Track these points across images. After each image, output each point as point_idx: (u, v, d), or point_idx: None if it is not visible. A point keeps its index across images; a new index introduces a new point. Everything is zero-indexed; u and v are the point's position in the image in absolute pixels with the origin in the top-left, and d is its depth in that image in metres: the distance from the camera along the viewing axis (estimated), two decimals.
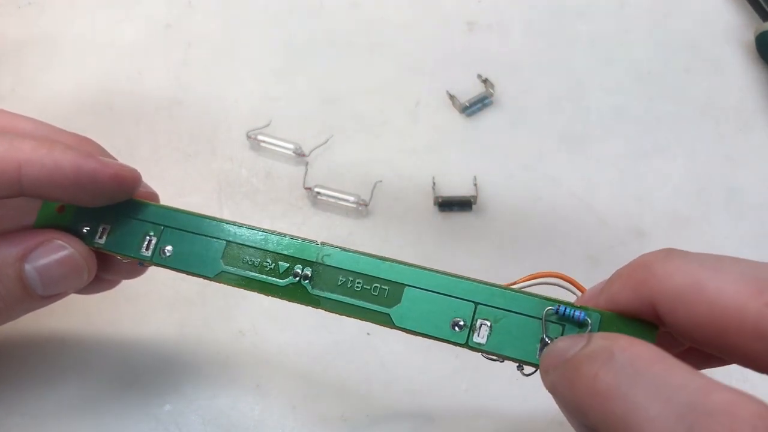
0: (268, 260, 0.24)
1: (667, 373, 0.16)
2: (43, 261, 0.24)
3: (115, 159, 0.27)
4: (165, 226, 0.25)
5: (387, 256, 0.23)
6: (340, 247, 0.23)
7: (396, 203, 0.36)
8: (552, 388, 0.18)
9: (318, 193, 0.36)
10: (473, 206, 0.36)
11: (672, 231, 0.35)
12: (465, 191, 0.36)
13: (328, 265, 0.23)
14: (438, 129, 0.39)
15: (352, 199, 0.36)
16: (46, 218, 0.26)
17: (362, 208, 0.36)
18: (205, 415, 0.30)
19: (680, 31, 0.42)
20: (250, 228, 0.24)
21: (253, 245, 0.24)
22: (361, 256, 0.23)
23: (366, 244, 0.35)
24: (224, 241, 0.24)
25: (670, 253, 0.19)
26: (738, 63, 0.41)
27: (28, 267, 0.24)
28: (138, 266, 0.27)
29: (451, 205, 0.36)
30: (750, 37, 0.41)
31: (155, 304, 0.33)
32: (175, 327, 0.33)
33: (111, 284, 0.30)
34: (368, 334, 0.32)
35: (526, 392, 0.30)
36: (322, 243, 0.23)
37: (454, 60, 0.41)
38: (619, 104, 0.40)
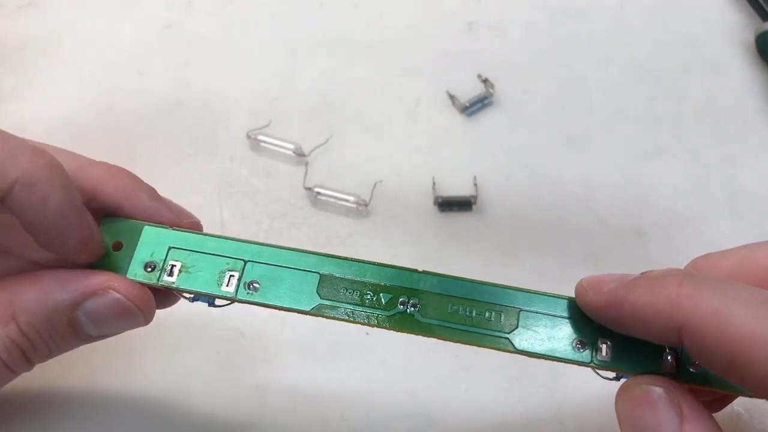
0: (369, 292, 0.23)
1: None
2: (96, 308, 0.23)
3: (158, 197, 0.26)
4: (247, 260, 0.23)
5: (487, 280, 0.23)
6: (441, 274, 0.23)
7: (396, 203, 0.36)
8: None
9: (318, 193, 0.36)
10: (473, 206, 0.36)
11: (672, 231, 0.35)
12: (465, 191, 0.36)
13: (433, 293, 0.23)
14: (438, 129, 0.39)
15: (352, 199, 0.36)
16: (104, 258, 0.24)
17: (362, 208, 0.36)
18: (205, 415, 0.30)
19: (680, 31, 0.42)
20: (341, 259, 0.23)
21: (349, 277, 0.23)
22: (465, 282, 0.23)
23: (366, 244, 0.35)
24: (317, 274, 0.23)
25: (696, 279, 0.19)
26: (738, 63, 0.41)
27: (80, 314, 0.23)
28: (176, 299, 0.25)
29: (451, 205, 0.36)
30: (750, 37, 0.41)
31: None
32: (175, 327, 0.32)
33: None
34: (367, 334, 0.32)
35: (526, 392, 0.30)
36: (423, 271, 0.23)
37: (454, 60, 0.41)
38: (619, 104, 0.40)
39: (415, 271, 0.23)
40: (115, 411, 0.30)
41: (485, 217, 0.36)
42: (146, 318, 0.24)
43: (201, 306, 0.33)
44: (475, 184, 0.36)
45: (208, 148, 0.39)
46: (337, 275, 0.23)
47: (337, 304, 0.23)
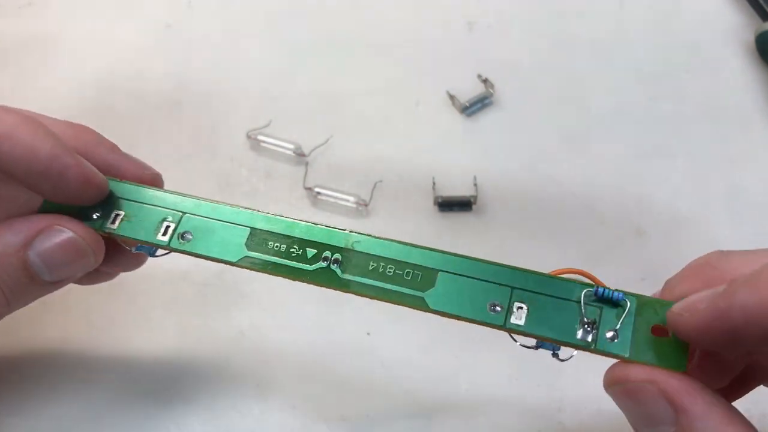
0: (295, 246, 0.23)
1: None
2: (46, 247, 0.24)
3: (119, 151, 0.27)
4: (185, 213, 0.25)
5: (422, 244, 0.23)
6: (369, 235, 0.23)
7: (396, 203, 0.36)
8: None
9: (318, 193, 0.36)
10: (473, 206, 0.36)
11: (672, 231, 0.35)
12: (465, 191, 0.36)
13: (358, 251, 0.23)
14: (438, 129, 0.39)
15: (352, 199, 0.36)
16: (52, 204, 0.25)
17: (362, 208, 0.36)
18: (205, 416, 0.30)
19: (680, 31, 0.42)
20: (275, 216, 0.24)
21: (280, 232, 0.24)
22: (392, 243, 0.23)
23: None
24: (248, 228, 0.24)
25: (723, 252, 0.19)
26: (738, 63, 0.41)
27: (31, 254, 0.24)
28: (139, 257, 0.27)
29: (451, 205, 0.36)
30: (750, 37, 0.41)
31: (155, 303, 0.33)
32: (175, 327, 0.32)
33: (109, 276, 0.29)
34: (368, 334, 0.32)
35: (526, 392, 0.30)
36: (351, 231, 0.23)
37: (454, 60, 0.41)
38: (619, 104, 0.40)
39: (344, 230, 0.24)
40: (115, 415, 0.30)
41: (485, 217, 0.36)
42: (96, 256, 0.25)
43: (200, 307, 0.33)
44: (475, 184, 0.36)
45: (208, 148, 0.39)
46: (267, 230, 0.24)
47: (263, 257, 0.23)
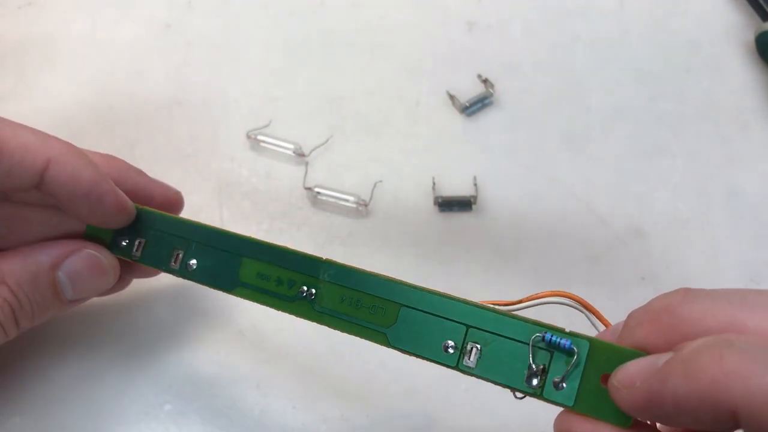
0: (280, 277, 0.25)
1: None
2: (75, 267, 0.26)
3: (145, 175, 0.30)
4: (192, 240, 0.27)
5: (389, 275, 0.23)
6: (342, 265, 0.24)
7: (396, 203, 0.36)
8: (648, 396, 0.17)
9: (318, 193, 0.36)
10: (473, 206, 0.36)
11: (672, 231, 0.35)
12: (465, 191, 0.36)
13: (330, 282, 0.24)
14: (438, 129, 0.39)
15: (352, 199, 0.36)
16: (92, 230, 0.28)
17: (362, 208, 0.36)
18: (205, 415, 0.30)
19: (680, 31, 0.42)
20: (261, 243, 0.25)
21: (264, 260, 0.25)
22: (358, 273, 0.23)
23: (366, 244, 0.35)
24: (240, 256, 0.25)
25: (687, 293, 0.18)
26: (738, 63, 0.41)
27: (60, 274, 0.26)
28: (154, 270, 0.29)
29: (451, 205, 0.36)
30: (750, 37, 0.41)
31: (155, 303, 0.33)
32: (176, 327, 0.33)
33: (123, 284, 0.31)
34: None
35: None
36: (327, 260, 0.24)
37: (454, 60, 0.41)
38: (619, 104, 0.40)
39: (320, 259, 0.24)
40: (116, 415, 0.30)
41: (485, 217, 0.36)
42: (115, 275, 0.28)
43: (201, 307, 0.33)
44: (475, 184, 0.36)
45: (208, 148, 0.39)
46: (256, 259, 0.25)
47: (252, 287, 0.25)
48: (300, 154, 0.37)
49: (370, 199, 0.36)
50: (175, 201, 0.30)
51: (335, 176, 0.37)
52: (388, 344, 0.22)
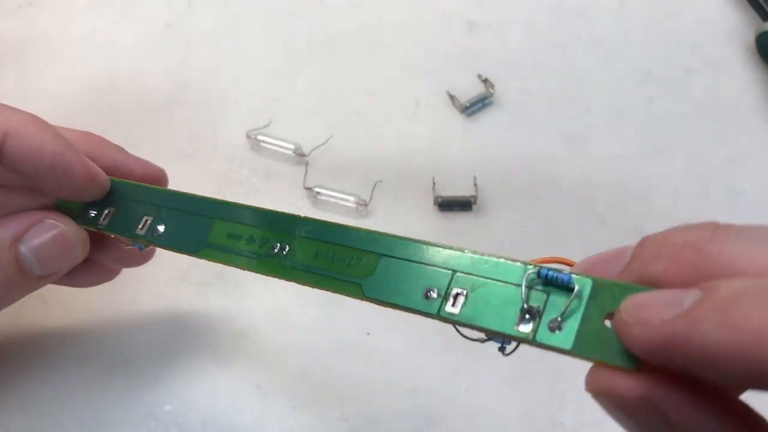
0: (252, 235, 0.23)
1: None
2: (37, 240, 0.25)
3: (125, 151, 0.28)
4: (164, 207, 0.25)
5: (370, 228, 0.22)
6: (321, 221, 0.23)
7: (396, 203, 0.36)
8: (671, 340, 0.14)
9: (318, 193, 0.36)
10: (473, 206, 0.36)
11: None
12: (465, 191, 0.36)
13: (305, 238, 0.22)
14: (438, 129, 0.39)
15: (352, 199, 0.36)
16: (61, 203, 0.27)
17: (362, 208, 0.36)
18: (205, 416, 0.30)
19: (680, 31, 0.42)
20: (237, 205, 0.25)
21: (237, 221, 0.24)
22: (339, 227, 0.22)
23: None
24: (212, 219, 0.25)
25: (718, 230, 0.15)
26: (738, 63, 0.41)
27: (23, 248, 0.24)
28: (138, 251, 0.28)
29: (451, 205, 0.36)
30: (750, 37, 0.41)
31: (156, 303, 0.33)
32: (176, 327, 0.33)
33: (111, 273, 0.30)
34: (368, 334, 0.32)
35: (526, 392, 0.30)
36: (305, 217, 0.23)
37: (454, 60, 0.41)
38: (619, 104, 0.40)
39: (298, 217, 0.23)
40: (116, 415, 0.30)
41: (485, 217, 0.36)
42: (82, 249, 0.26)
43: (201, 307, 0.33)
44: (475, 184, 0.36)
45: (208, 147, 0.39)
46: (225, 220, 0.24)
47: (218, 247, 0.24)
48: (300, 154, 0.37)
49: (370, 199, 0.36)
50: (157, 178, 0.29)
51: (335, 176, 0.37)
52: (363, 295, 0.21)
